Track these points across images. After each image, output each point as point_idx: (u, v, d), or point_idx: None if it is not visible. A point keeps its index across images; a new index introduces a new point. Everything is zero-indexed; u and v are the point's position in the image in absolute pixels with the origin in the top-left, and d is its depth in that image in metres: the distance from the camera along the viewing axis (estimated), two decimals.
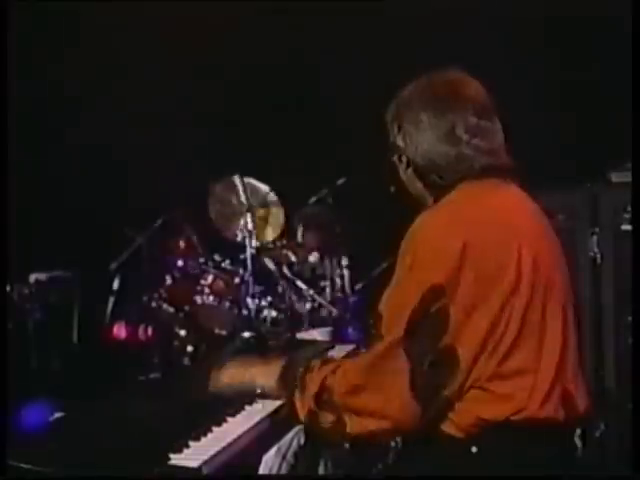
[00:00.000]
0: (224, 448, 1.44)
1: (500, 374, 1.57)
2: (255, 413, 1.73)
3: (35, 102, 3.73)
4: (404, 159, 1.80)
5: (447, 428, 1.59)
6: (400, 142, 1.78)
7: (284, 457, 3.14)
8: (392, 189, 1.96)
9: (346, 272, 4.62)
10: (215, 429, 1.57)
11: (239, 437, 1.51)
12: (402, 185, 1.90)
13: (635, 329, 1.49)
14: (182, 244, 4.70)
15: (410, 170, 1.79)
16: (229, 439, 1.49)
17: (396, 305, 1.58)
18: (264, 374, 1.82)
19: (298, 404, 1.66)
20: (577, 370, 1.70)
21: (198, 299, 4.33)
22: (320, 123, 4.88)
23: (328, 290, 4.41)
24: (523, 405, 1.57)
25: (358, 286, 4.50)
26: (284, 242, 4.49)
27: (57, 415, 1.65)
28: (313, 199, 4.54)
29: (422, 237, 1.61)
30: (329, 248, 4.66)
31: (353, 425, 1.58)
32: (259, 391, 1.81)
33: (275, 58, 4.88)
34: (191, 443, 1.45)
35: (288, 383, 1.72)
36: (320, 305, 4.24)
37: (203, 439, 1.50)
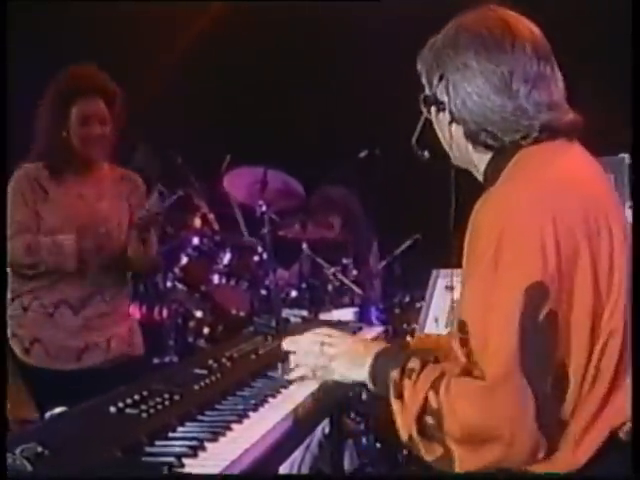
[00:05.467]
0: (246, 451, 1.25)
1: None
2: (279, 406, 1.52)
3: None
4: (446, 116, 1.51)
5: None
6: (442, 95, 1.50)
7: (308, 447, 2.98)
8: (425, 155, 1.61)
9: (369, 250, 4.43)
10: (235, 427, 1.37)
11: (263, 437, 1.32)
12: (438, 150, 1.64)
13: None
14: (198, 221, 4.51)
15: (454, 129, 1.50)
16: (252, 440, 1.29)
17: (496, 317, 1.28)
18: (346, 362, 1.54)
19: (399, 420, 1.38)
20: None
21: (215, 278, 4.15)
22: (335, 91, 4.66)
23: (351, 268, 4.20)
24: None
25: (382, 264, 4.29)
26: (303, 218, 4.27)
27: (57, 410, 1.47)
28: (333, 173, 4.31)
29: (505, 222, 1.30)
30: (350, 225, 4.46)
31: (466, 461, 1.30)
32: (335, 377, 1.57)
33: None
34: (208, 445, 1.26)
35: (378, 384, 1.46)
36: (342, 284, 4.03)
37: (222, 439, 1.31)
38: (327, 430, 2.81)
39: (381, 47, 4.53)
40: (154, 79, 4.63)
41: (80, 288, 2.68)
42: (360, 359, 1.51)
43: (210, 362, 1.82)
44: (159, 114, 4.67)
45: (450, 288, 2.94)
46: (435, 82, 1.52)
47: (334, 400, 1.94)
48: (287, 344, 1.66)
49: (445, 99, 1.50)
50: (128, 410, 1.42)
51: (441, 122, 1.55)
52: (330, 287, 4.03)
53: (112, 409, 1.41)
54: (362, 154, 4.20)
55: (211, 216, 4.49)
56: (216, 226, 4.48)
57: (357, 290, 3.97)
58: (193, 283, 4.16)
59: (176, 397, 1.52)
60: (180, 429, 1.37)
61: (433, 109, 1.55)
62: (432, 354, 1.47)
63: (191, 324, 4.15)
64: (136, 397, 1.47)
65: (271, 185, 4.12)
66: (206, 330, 4.16)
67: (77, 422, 1.39)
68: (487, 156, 1.51)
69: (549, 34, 1.51)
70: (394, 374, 1.41)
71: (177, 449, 1.25)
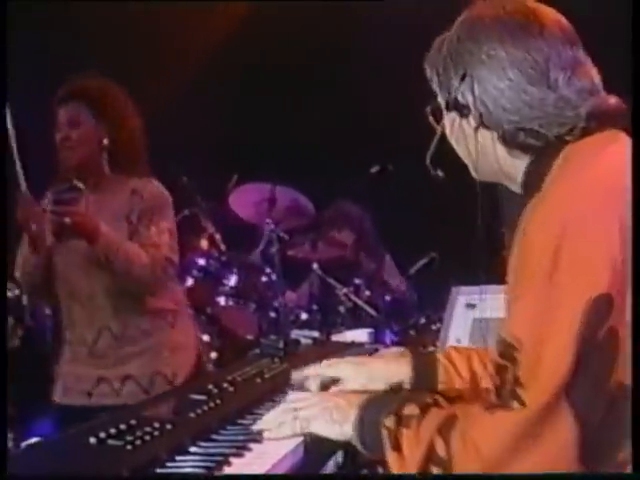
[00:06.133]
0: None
1: None
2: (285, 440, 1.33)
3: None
4: (471, 122, 1.29)
5: None
6: (465, 96, 1.28)
7: None
8: (439, 174, 1.38)
9: (382, 269, 4.24)
10: (234, 461, 1.18)
11: (284, 457, 1.13)
12: (455, 164, 1.42)
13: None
14: (204, 242, 4.34)
15: (482, 135, 1.29)
16: (273, 461, 1.11)
17: (554, 336, 1.08)
18: (324, 421, 1.29)
19: (395, 465, 1.17)
20: None
21: (221, 300, 3.96)
22: (347, 106, 4.50)
23: (363, 289, 4.01)
24: None
25: (396, 284, 4.09)
26: (314, 237, 4.09)
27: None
28: (344, 189, 4.14)
29: (566, 230, 1.10)
30: (363, 243, 4.28)
31: None
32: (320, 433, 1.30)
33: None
34: (225, 468, 1.07)
35: (368, 439, 1.24)
36: (355, 305, 3.84)
37: (237, 461, 1.12)
38: (340, 460, 2.59)
39: (395, 59, 4.38)
40: (159, 92, 4.48)
41: None
42: (341, 414, 1.28)
43: (210, 387, 1.63)
44: (162, 129, 4.52)
45: (471, 306, 2.78)
46: (455, 84, 1.30)
47: None
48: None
49: (470, 100, 1.29)
50: (110, 441, 1.22)
51: (464, 131, 1.33)
52: (342, 308, 3.84)
53: (92, 440, 1.22)
54: (374, 169, 4.01)
55: (218, 237, 4.32)
56: (223, 247, 4.31)
57: (370, 311, 3.78)
58: (199, 306, 3.98)
59: (168, 426, 1.32)
60: (169, 464, 1.18)
61: (451, 119, 1.34)
62: (431, 396, 1.25)
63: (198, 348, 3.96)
64: (121, 426, 1.28)
65: (280, 202, 3.97)
66: (213, 355, 3.97)
67: (51, 453, 1.20)
68: (524, 161, 1.30)
69: None
70: (388, 423, 1.19)
71: None
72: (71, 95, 2.49)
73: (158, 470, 1.14)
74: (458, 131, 1.35)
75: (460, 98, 1.30)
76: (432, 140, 1.40)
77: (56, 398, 2.54)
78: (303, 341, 2.22)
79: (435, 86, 1.37)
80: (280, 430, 1.32)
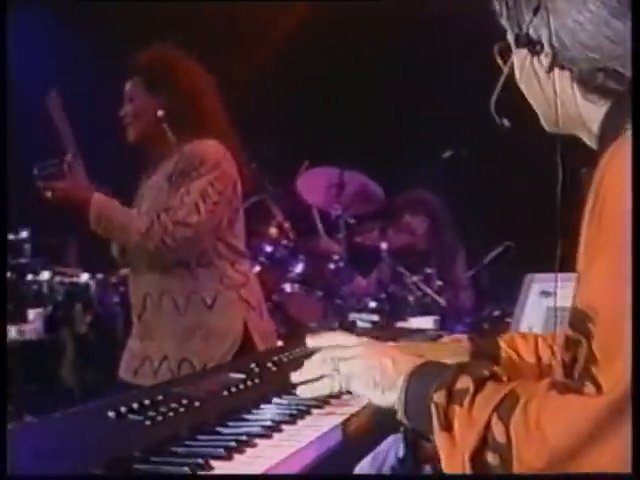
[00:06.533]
0: (277, 464, 0.95)
1: None
2: (324, 419, 1.21)
3: None
4: (542, 61, 1.14)
5: None
6: (539, 30, 1.12)
7: (380, 471, 2.63)
8: (506, 124, 1.22)
9: (455, 258, 4.06)
10: (260, 442, 1.07)
11: (291, 456, 1.00)
12: (524, 112, 1.26)
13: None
14: (274, 230, 4.26)
15: (557, 76, 1.13)
16: (276, 459, 0.98)
17: (630, 305, 0.91)
18: (364, 384, 1.14)
19: (446, 460, 1.01)
20: None
21: (287, 287, 3.87)
22: (417, 85, 4.34)
23: (435, 278, 3.85)
24: None
25: (469, 273, 3.91)
26: (383, 223, 3.95)
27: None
28: (415, 175, 3.97)
29: None
30: (435, 231, 4.11)
31: None
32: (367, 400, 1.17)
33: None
34: (215, 464, 0.96)
35: (413, 414, 1.08)
36: (425, 295, 3.68)
37: (237, 457, 1.01)
38: (401, 454, 2.45)
39: (467, 41, 4.20)
40: (230, 80, 4.44)
41: None
42: (386, 379, 1.12)
43: (252, 365, 1.53)
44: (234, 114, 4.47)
45: (547, 294, 2.59)
46: (527, 17, 1.14)
47: None
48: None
49: (544, 35, 1.12)
50: (131, 416, 1.13)
51: (536, 72, 1.17)
52: (411, 298, 3.68)
53: (111, 413, 1.13)
54: (446, 154, 3.83)
55: (287, 225, 4.23)
56: (292, 235, 4.21)
57: (440, 301, 3.62)
58: (265, 292, 3.90)
59: (196, 403, 1.22)
60: (189, 442, 1.07)
61: (521, 58, 1.17)
62: (489, 368, 1.07)
63: None
64: (146, 402, 1.18)
65: (349, 187, 3.84)
66: (279, 343, 3.89)
67: (66, 426, 1.12)
68: (603, 108, 1.14)
69: None
70: (438, 398, 1.03)
71: (174, 467, 0.95)
72: (127, 71, 2.48)
73: (175, 448, 1.03)
74: (529, 72, 1.18)
75: (532, 33, 1.14)
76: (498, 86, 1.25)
77: (120, 374, 2.48)
78: (360, 324, 2.10)
79: (504, 21, 1.20)
80: (316, 387, 1.20)
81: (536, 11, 1.13)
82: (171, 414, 1.16)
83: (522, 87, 1.23)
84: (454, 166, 3.80)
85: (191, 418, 1.16)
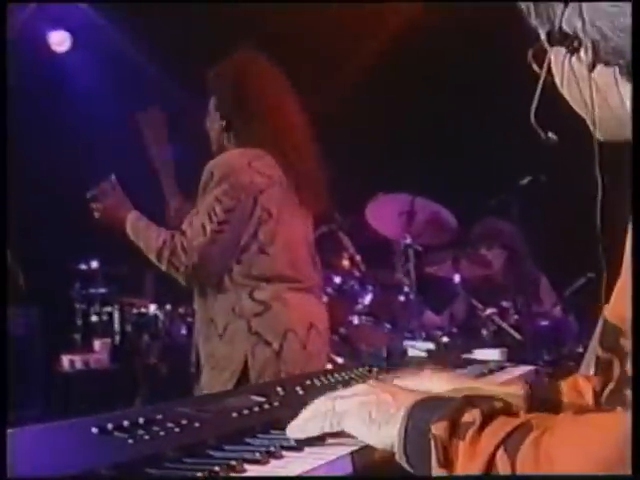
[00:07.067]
0: None
1: None
2: (334, 448, 1.05)
3: None
4: (582, 58, 0.97)
5: None
6: (572, 22, 0.96)
7: None
8: (551, 137, 1.04)
9: (535, 291, 3.83)
10: (249, 467, 0.93)
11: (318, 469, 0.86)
12: (568, 119, 1.07)
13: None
14: (345, 262, 4.13)
15: (600, 73, 0.97)
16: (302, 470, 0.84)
17: None
18: (360, 420, 0.98)
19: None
20: None
21: (355, 320, 3.72)
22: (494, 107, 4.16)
23: (512, 312, 3.62)
24: None
25: (550, 307, 3.67)
26: (456, 253, 3.76)
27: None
28: (491, 202, 3.77)
29: None
30: (513, 263, 3.89)
31: None
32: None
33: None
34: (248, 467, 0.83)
35: (411, 448, 0.91)
36: (500, 328, 3.46)
37: (254, 468, 0.87)
38: None
39: None
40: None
41: None
42: (383, 412, 0.96)
43: (278, 389, 1.39)
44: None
45: None
46: (557, 10, 0.98)
47: None
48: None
49: (578, 26, 0.96)
50: (116, 433, 1.01)
51: (576, 72, 1.00)
52: (484, 331, 3.47)
53: (94, 429, 1.01)
54: (524, 180, 3.63)
55: (358, 258, 4.10)
56: (363, 267, 4.07)
57: (516, 335, 3.39)
58: (332, 325, 3.77)
59: (196, 424, 1.10)
60: (169, 464, 0.94)
61: (558, 58, 1.01)
62: (501, 401, 0.91)
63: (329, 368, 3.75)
64: (140, 420, 1.07)
65: (420, 216, 3.68)
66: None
67: (49, 438, 1.01)
68: None
69: None
70: (437, 430, 0.87)
71: None
72: (207, 85, 2.38)
73: (148, 470, 0.91)
74: (569, 73, 1.01)
75: (566, 26, 0.98)
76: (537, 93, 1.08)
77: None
78: (411, 353, 1.93)
79: (533, 20, 1.04)
80: (308, 427, 1.04)
81: (567, 2, 0.97)
82: (162, 434, 1.03)
83: (564, 92, 1.06)
84: (532, 192, 3.60)
85: (184, 439, 1.03)
